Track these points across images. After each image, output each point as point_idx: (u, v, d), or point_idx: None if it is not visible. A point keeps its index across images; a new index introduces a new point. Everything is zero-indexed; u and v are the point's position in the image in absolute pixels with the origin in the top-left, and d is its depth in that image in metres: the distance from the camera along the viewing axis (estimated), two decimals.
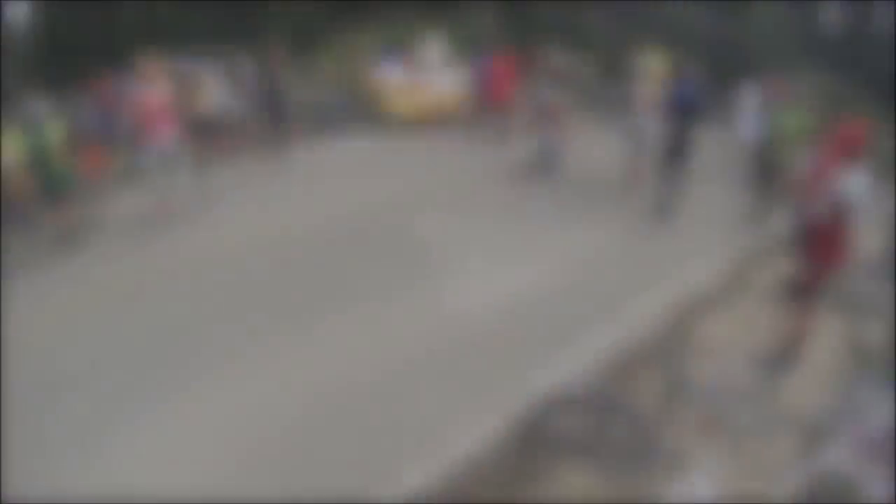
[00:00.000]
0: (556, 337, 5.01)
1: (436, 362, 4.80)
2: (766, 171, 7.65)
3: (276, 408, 4.28)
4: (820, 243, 4.55)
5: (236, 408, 4.27)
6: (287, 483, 3.60)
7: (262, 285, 5.89)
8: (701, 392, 4.36)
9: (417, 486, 3.60)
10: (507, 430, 4.04)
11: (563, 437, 3.91)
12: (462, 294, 5.66)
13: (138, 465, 3.79)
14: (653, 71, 8.22)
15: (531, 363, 4.69)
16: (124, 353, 4.88)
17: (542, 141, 8.96)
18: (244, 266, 6.27)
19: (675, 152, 7.37)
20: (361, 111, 11.95)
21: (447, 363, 4.77)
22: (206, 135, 9.99)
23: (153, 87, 7.22)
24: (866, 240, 5.34)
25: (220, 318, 5.32)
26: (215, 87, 10.26)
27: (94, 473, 3.71)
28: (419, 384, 4.52)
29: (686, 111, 7.28)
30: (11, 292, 5.69)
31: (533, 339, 5.01)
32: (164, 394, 4.36)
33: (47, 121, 6.88)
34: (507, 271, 6.06)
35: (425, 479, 3.64)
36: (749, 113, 8.24)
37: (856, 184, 4.27)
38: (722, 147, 8.99)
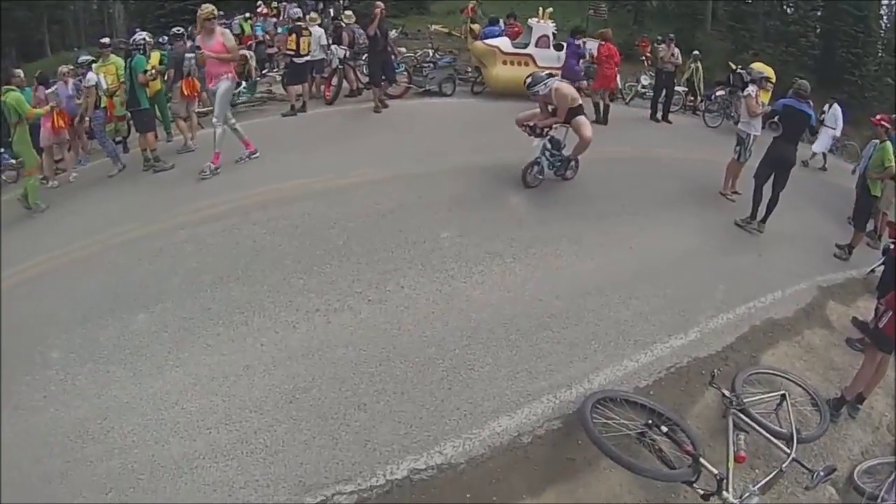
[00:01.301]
0: (626, 336, 5.02)
1: None
2: (860, 204, 7.33)
3: None
4: None
5: None
6: None
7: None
8: (748, 419, 4.33)
9: None
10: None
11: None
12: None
13: None
14: (764, 79, 7.96)
15: (597, 360, 4.74)
16: None
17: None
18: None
19: (778, 166, 7.15)
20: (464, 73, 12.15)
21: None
22: (303, 75, 10.75)
23: (211, 37, 7.77)
24: None
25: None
26: (318, 34, 10.92)
27: None
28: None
29: (796, 127, 7.05)
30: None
31: (601, 333, 5.03)
32: None
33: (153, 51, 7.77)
34: (584, 260, 6.04)
35: None
36: (829, 132, 7.95)
37: None
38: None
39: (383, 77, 10.67)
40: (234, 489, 3.57)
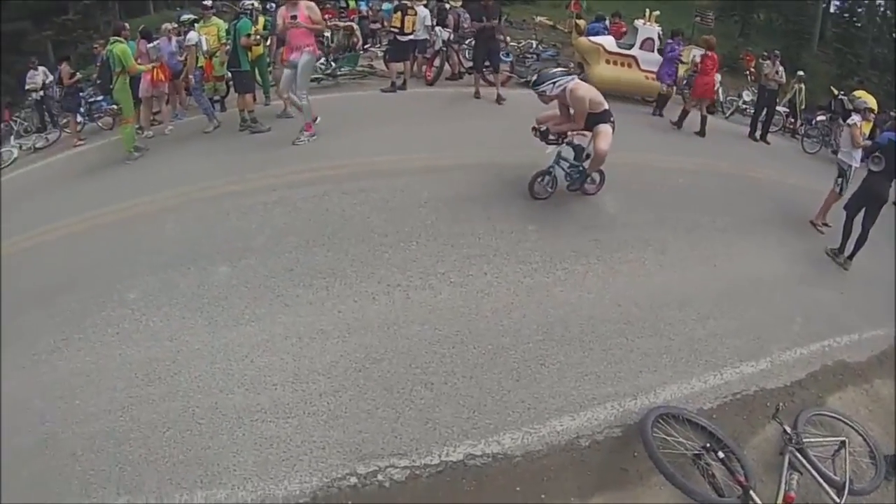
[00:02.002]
0: (698, 355, 4.93)
1: None
2: None
3: None
4: None
5: None
6: None
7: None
8: (804, 460, 4.18)
9: None
10: None
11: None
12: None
13: None
14: (868, 110, 7.56)
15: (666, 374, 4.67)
16: None
17: None
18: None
19: (870, 201, 6.80)
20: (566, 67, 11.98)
21: None
22: (405, 53, 10.96)
23: (294, 8, 7.79)
24: None
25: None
26: (423, 14, 10.99)
27: None
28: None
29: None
30: None
31: (674, 348, 4.95)
32: None
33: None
34: (668, 271, 5.92)
35: None
36: None
37: None
38: None
39: (487, 64, 10.55)
40: (290, 446, 3.73)
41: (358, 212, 5.98)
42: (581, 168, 6.58)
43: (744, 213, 7.39)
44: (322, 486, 3.54)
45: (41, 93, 12.62)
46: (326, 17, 14.24)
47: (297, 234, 5.59)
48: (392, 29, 10.86)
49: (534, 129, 6.52)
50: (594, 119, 6.29)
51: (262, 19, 9.73)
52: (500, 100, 10.10)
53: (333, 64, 11.67)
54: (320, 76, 11.31)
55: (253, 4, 9.43)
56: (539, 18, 18.75)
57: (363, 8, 16.00)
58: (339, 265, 5.19)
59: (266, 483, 3.55)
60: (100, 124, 11.58)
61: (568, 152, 6.60)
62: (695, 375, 4.63)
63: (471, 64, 11.15)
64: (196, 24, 9.83)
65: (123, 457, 3.80)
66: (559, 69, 6.73)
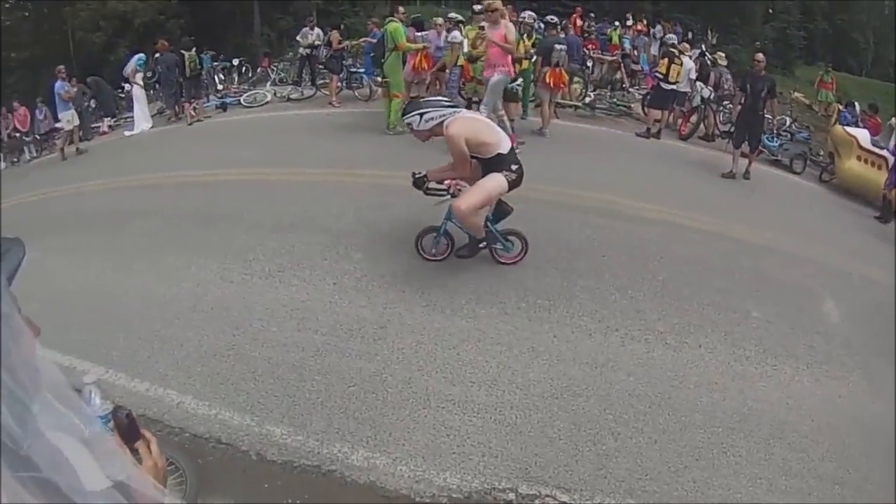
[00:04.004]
0: None
1: None
2: None
3: None
4: None
5: None
6: None
7: None
8: None
9: None
10: None
11: None
12: None
13: None
14: None
15: None
16: None
17: None
18: None
19: None
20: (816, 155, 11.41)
21: None
22: (666, 102, 10.98)
23: (496, 28, 8.07)
24: None
25: None
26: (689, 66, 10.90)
27: None
28: None
29: None
30: None
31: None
32: None
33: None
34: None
35: None
36: None
37: None
38: None
39: (745, 140, 9.38)
40: (465, 442, 3.76)
41: (594, 246, 6.00)
42: (489, 228, 5.37)
43: None
44: (481, 489, 3.53)
45: (309, 51, 13.85)
46: (590, 47, 14.48)
47: (532, 249, 5.64)
48: (657, 75, 10.74)
49: (413, 174, 5.39)
50: (486, 166, 5.05)
51: (532, 37, 10.03)
52: (747, 175, 9.55)
53: (592, 95, 11.80)
54: (578, 105, 11.51)
55: (524, 19, 9.75)
56: (796, 94, 17.47)
57: (626, 46, 15.98)
58: (567, 291, 5.21)
59: (429, 466, 3.61)
60: (356, 94, 12.69)
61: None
62: None
63: (726, 128, 10.66)
64: (462, 25, 10.38)
65: (300, 394, 4.11)
66: (443, 99, 5.69)
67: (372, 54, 11.41)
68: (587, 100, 11.85)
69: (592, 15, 17.78)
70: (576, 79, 11.80)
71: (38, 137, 15.51)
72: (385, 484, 3.50)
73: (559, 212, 6.65)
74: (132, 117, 13.70)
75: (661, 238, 6.41)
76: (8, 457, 0.82)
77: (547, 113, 9.89)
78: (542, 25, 12.10)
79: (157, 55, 13.50)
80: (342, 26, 13.17)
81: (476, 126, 5.04)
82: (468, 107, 10.29)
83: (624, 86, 13.06)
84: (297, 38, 14.22)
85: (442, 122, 4.96)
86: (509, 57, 8.32)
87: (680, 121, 11.48)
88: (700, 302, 5.43)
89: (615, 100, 12.41)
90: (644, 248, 6.12)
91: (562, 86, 10.14)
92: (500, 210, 5.39)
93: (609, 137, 10.61)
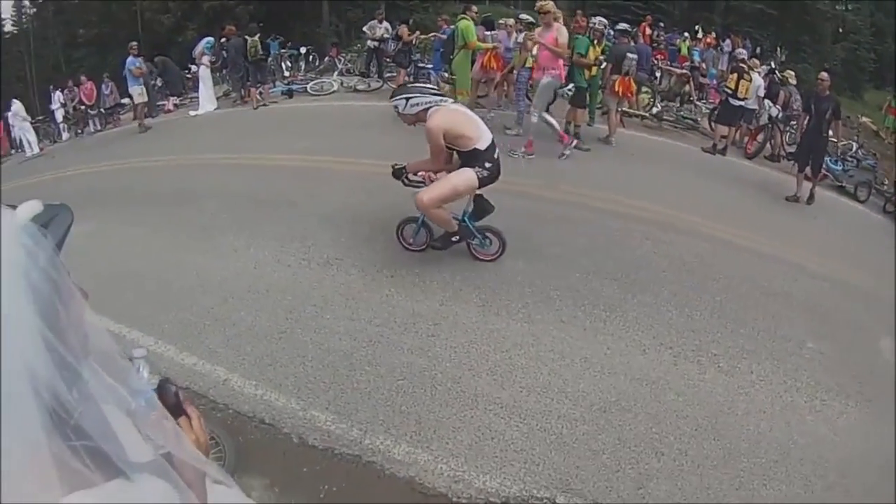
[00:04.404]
0: None
1: None
2: None
3: None
4: None
5: None
6: None
7: None
8: None
9: None
10: None
11: None
12: None
13: None
14: None
15: None
16: None
17: None
18: None
19: None
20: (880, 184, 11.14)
21: None
22: (733, 118, 10.70)
23: (548, 30, 8.17)
24: None
25: None
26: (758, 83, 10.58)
27: None
28: None
29: None
30: None
31: None
32: None
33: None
34: None
35: None
36: None
37: None
38: None
39: (809, 163, 9.15)
40: (508, 447, 3.74)
41: (654, 261, 5.95)
42: (465, 223, 5.39)
43: None
44: (519, 496, 3.50)
45: (377, 43, 13.94)
46: (658, 57, 14.25)
47: (589, 259, 5.70)
48: (726, 90, 10.50)
49: (392, 165, 5.50)
50: (463, 160, 5.10)
51: (602, 43, 9.92)
52: (811, 199, 9.24)
53: (659, 106, 11.64)
54: (645, 115, 11.37)
55: (594, 25, 9.65)
56: (863, 119, 16.85)
57: (696, 58, 15.65)
58: (624, 305, 5.17)
59: (469, 468, 3.60)
60: None
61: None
62: None
63: (792, 149, 10.37)
64: (533, 27, 10.31)
65: (348, 382, 4.17)
66: (431, 86, 5.67)
67: (441, 51, 11.45)
68: (654, 110, 11.69)
69: (662, 24, 17.51)
70: (644, 88, 11.67)
71: (104, 112, 16.09)
72: (424, 481, 3.51)
73: (620, 222, 6.63)
74: (197, 98, 14.07)
75: (721, 257, 6.30)
76: (60, 425, 0.83)
77: (614, 121, 9.79)
78: (612, 33, 11.98)
79: (224, 39, 13.83)
80: (410, 21, 13.20)
81: (457, 118, 5.05)
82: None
83: (692, 99, 12.82)
84: (365, 29, 14.35)
85: (427, 109, 5.04)
86: (560, 60, 8.32)
87: (746, 139, 11.21)
88: (756, 327, 5.32)
89: (682, 113, 12.20)
90: (703, 267, 6.03)
91: (630, 95, 10.02)
92: (480, 207, 5.38)
93: (674, 150, 10.46)
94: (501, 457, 3.67)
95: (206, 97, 13.77)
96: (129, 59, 13.02)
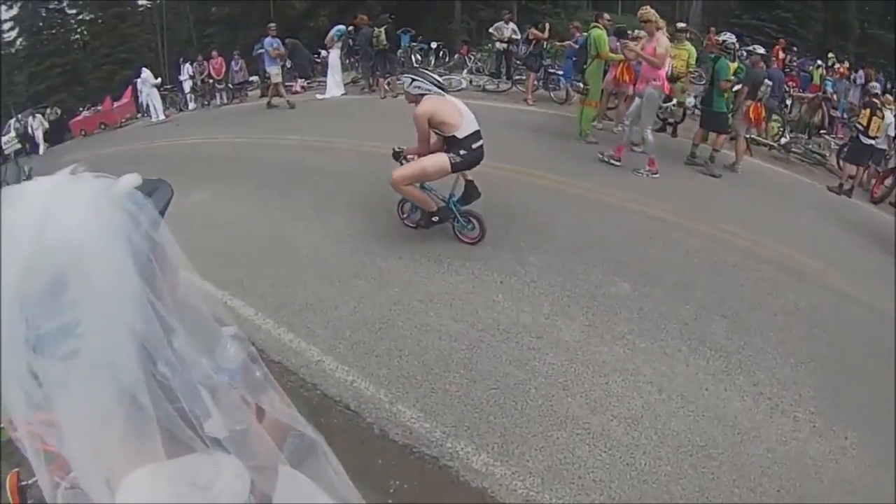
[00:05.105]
0: None
1: None
2: None
3: None
4: None
5: None
6: None
7: None
8: None
9: None
10: None
11: None
12: None
13: None
14: None
15: None
16: None
17: None
18: None
19: None
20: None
21: None
22: (862, 157, 10.11)
23: (650, 40, 8.04)
24: None
25: None
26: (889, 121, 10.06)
27: None
28: None
29: None
30: None
31: None
32: None
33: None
34: None
35: None
36: None
37: None
38: None
39: None
40: (587, 475, 3.66)
41: (768, 301, 5.64)
42: (447, 204, 5.86)
43: None
44: None
45: (505, 45, 14.00)
46: (790, 84, 13.52)
47: (704, 291, 5.54)
48: (857, 126, 9.86)
49: (393, 149, 5.99)
50: (446, 144, 5.52)
51: (733, 64, 9.53)
52: None
53: (788, 136, 11.07)
54: (773, 145, 10.87)
55: (734, 43, 9.24)
56: None
57: (829, 89, 14.72)
58: (729, 346, 4.94)
59: (545, 489, 3.56)
60: (552, 95, 12.71)
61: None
62: None
63: None
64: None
65: (440, 383, 4.21)
66: (435, 76, 5.94)
67: (574, 59, 11.35)
68: (783, 141, 11.11)
69: (795, 49, 16.58)
70: (774, 116, 11.12)
71: (231, 87, 17.06)
72: (496, 494, 3.49)
73: (737, 256, 6.34)
74: (325, 82, 14.61)
75: (836, 309, 5.91)
76: (160, 387, 0.88)
77: (742, 148, 9.41)
78: (745, 53, 11.48)
79: (353, 28, 14.28)
80: (540, 24, 13.15)
81: (443, 107, 5.46)
82: (663, 129, 10.06)
83: (822, 132, 12.06)
84: (492, 31, 14.44)
85: (423, 95, 5.52)
86: (661, 71, 8.12)
87: (874, 181, 10.47)
88: (859, 390, 4.93)
89: (811, 146, 11.52)
90: (815, 316, 5.66)
91: (759, 121, 9.58)
92: (468, 193, 5.84)
93: (799, 186, 9.92)
94: (578, 484, 3.61)
95: (334, 82, 14.30)
96: (267, 39, 13.70)
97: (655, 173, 8.31)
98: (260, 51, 15.02)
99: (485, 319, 4.89)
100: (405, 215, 6.29)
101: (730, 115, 9.51)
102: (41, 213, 0.82)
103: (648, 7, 8.06)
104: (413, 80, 5.68)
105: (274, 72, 13.61)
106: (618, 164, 8.52)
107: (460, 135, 5.44)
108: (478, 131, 5.55)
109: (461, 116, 5.48)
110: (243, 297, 5.33)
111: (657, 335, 4.88)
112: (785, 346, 5.08)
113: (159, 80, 18.00)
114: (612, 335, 4.81)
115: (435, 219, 5.93)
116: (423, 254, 5.85)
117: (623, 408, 4.12)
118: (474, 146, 5.50)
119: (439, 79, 5.91)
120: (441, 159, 5.47)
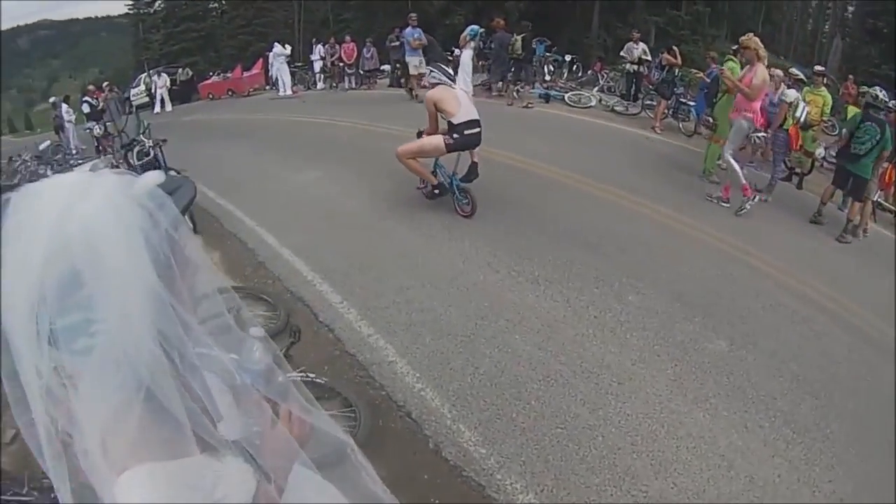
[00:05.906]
0: None
1: None
2: None
3: None
4: None
5: None
6: None
7: None
8: None
9: None
10: None
11: None
12: None
13: None
14: None
15: None
16: None
17: None
18: None
19: None
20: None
21: None
22: None
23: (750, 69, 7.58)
24: None
25: None
26: None
27: None
28: None
29: None
30: None
31: None
32: None
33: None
34: None
35: None
36: None
37: None
38: None
39: None
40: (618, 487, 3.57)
41: (868, 390, 5.00)
42: (450, 181, 6.93)
43: None
44: None
45: (636, 66, 13.70)
46: None
47: (801, 366, 5.05)
48: None
49: (418, 131, 7.07)
50: (451, 128, 6.50)
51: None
52: None
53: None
54: None
55: (878, 97, 8.28)
56: None
57: None
58: (814, 431, 4.38)
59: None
60: (681, 126, 12.27)
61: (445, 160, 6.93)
62: None
63: None
64: (802, 86, 9.40)
65: (508, 410, 4.12)
66: (449, 70, 6.86)
67: (706, 91, 10.90)
68: None
69: None
70: None
71: (362, 73, 17.51)
72: None
73: (846, 334, 5.70)
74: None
75: None
76: (175, 385, 0.89)
77: (869, 210, 8.59)
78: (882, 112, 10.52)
79: (486, 31, 14.26)
80: (673, 49, 12.68)
81: (447, 96, 6.54)
82: (788, 178, 9.42)
83: None
84: (623, 53, 14.15)
85: (436, 84, 6.63)
86: (756, 104, 7.69)
87: None
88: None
89: None
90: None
91: (891, 186, 8.77)
92: (470, 172, 6.92)
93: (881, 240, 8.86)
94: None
95: (464, 81, 14.34)
96: (408, 29, 13.97)
97: (726, 202, 8.02)
98: (395, 43, 15.34)
99: (569, 352, 4.72)
100: (422, 186, 7.30)
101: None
102: (61, 208, 0.85)
103: (752, 35, 7.64)
104: (432, 71, 6.82)
105: (415, 62, 13.81)
106: (726, 205, 8.09)
107: (455, 121, 6.46)
108: (474, 120, 6.55)
109: (459, 106, 6.49)
110: (333, 283, 5.46)
111: (742, 405, 4.46)
112: (873, 447, 4.43)
113: (290, 52, 18.81)
114: (696, 396, 4.45)
115: (437, 191, 7.06)
116: (522, 272, 5.78)
117: (687, 478, 3.80)
118: (467, 132, 6.49)
119: (451, 72, 6.85)
120: (437, 140, 6.54)
